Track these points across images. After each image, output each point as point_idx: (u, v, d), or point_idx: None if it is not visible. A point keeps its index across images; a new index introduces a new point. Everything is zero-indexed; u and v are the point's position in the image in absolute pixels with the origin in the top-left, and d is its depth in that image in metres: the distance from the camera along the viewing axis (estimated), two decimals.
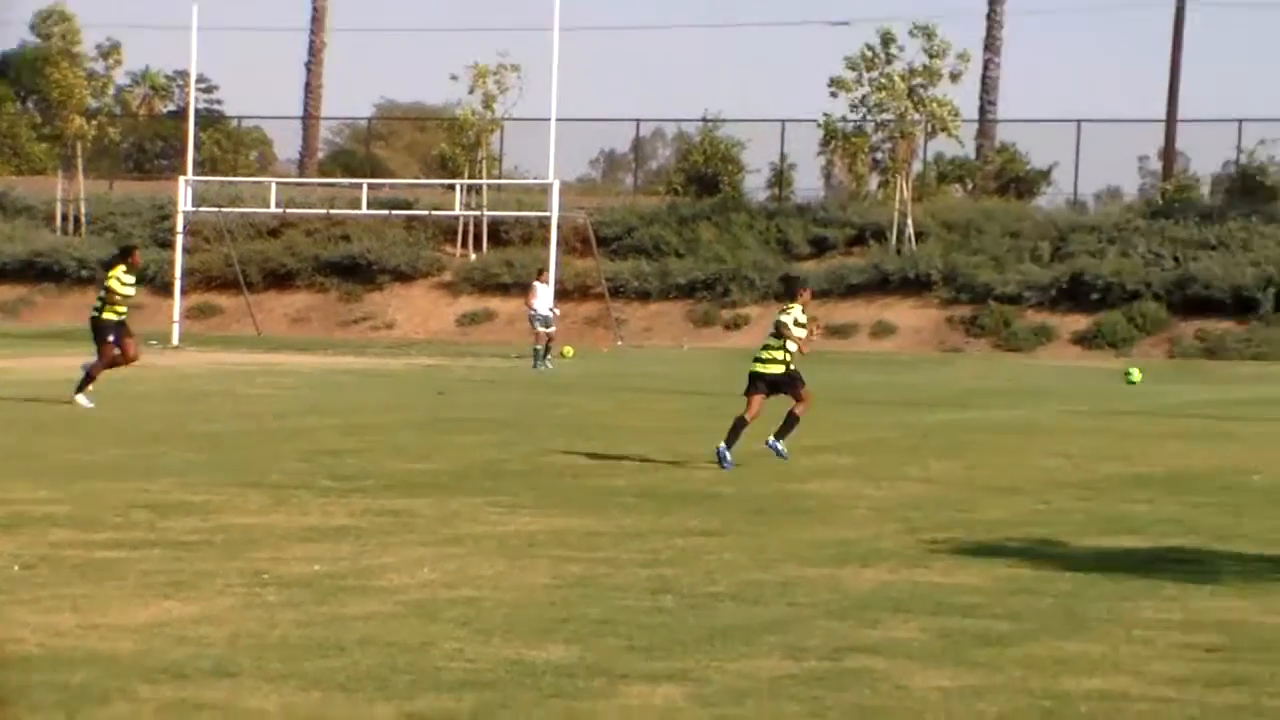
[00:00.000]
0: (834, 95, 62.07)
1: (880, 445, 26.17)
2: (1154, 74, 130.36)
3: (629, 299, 62.89)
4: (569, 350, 51.43)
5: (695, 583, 14.03)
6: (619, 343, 59.12)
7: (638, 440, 25.74)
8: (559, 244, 58.66)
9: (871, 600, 13.43)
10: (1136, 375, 38.57)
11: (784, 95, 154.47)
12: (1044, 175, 68.60)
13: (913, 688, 10.61)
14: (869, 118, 62.46)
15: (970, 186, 68.64)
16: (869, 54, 61.60)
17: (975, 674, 10.97)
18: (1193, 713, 10.08)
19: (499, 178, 69.25)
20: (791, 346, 23.05)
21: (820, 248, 63.87)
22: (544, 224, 59.51)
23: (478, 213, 66.01)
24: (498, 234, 68.51)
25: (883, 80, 61.42)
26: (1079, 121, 67.44)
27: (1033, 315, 58.62)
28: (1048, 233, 61.85)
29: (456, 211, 64.88)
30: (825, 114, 63.20)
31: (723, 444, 22.55)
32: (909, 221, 61.73)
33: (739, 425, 22.77)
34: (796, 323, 23.11)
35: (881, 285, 60.75)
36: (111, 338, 29.72)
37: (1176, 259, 58.77)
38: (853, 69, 61.63)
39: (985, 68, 69.58)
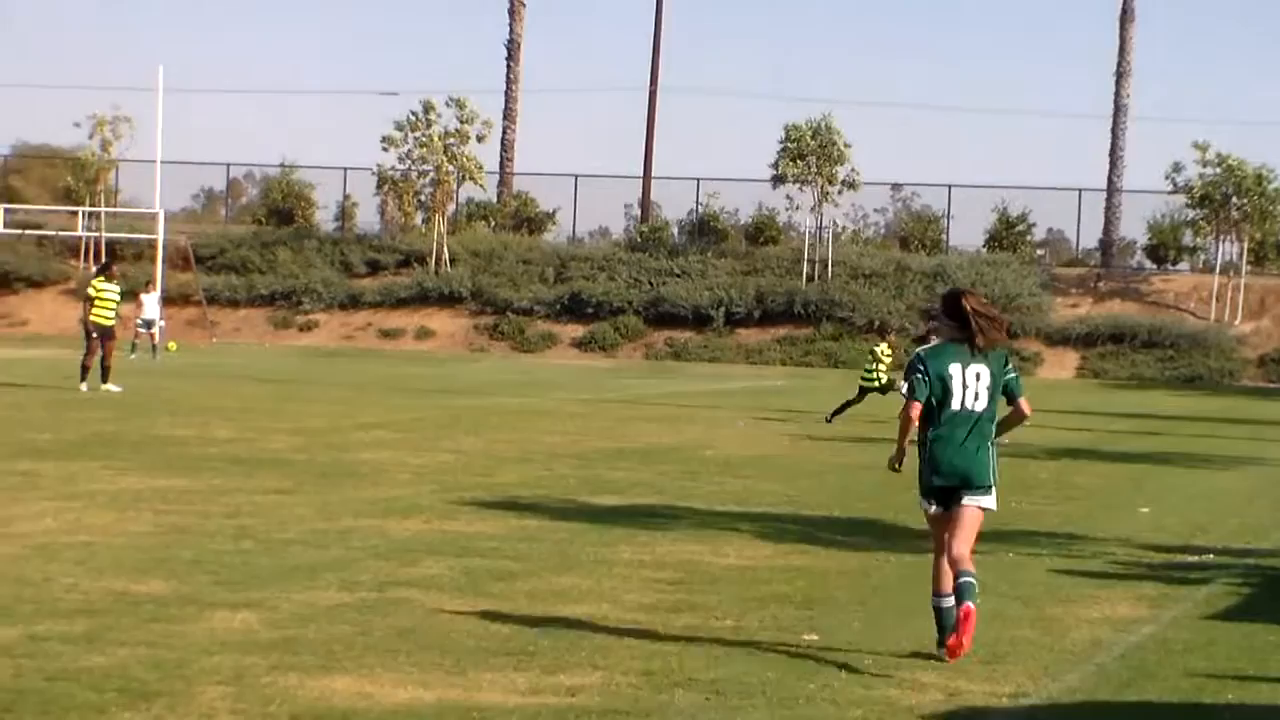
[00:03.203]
0: (385, 150, 61.82)
1: (420, 424, 26.08)
2: (636, 142, 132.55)
3: (222, 305, 61.69)
4: (173, 345, 50.17)
5: (270, 530, 13.82)
6: (214, 340, 57.94)
7: (228, 417, 25.25)
8: (165, 261, 57.68)
9: (411, 545, 13.39)
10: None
11: (347, 148, 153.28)
12: (550, 216, 69.00)
13: (441, 613, 10.61)
14: (413, 168, 62.23)
15: (493, 224, 68.73)
16: (413, 118, 61.51)
17: (490, 602, 11.00)
18: (657, 631, 10.25)
19: (116, 207, 67.10)
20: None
21: (375, 268, 63.49)
22: (151, 244, 58.36)
23: (97, 234, 63.95)
24: (114, 252, 66.48)
25: (424, 140, 61.37)
26: (576, 176, 68.75)
27: (541, 324, 59.02)
28: (553, 261, 62.29)
29: (79, 233, 63.07)
30: (378, 164, 62.85)
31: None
32: (445, 249, 61.70)
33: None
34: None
35: (423, 298, 60.58)
36: None
37: (651, 283, 59.74)
38: (400, 130, 61.49)
39: (504, 132, 69.89)
